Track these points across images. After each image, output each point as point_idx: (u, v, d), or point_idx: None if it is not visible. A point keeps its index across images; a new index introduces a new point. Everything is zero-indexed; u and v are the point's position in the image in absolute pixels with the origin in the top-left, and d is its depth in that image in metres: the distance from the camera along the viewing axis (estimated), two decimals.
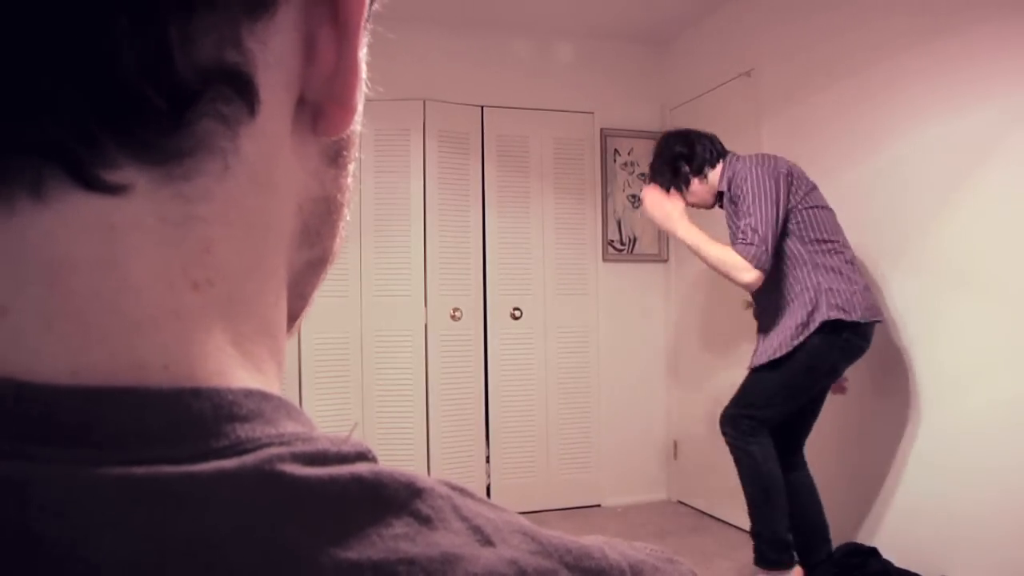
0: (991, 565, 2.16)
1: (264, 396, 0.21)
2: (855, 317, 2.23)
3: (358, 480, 0.20)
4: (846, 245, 2.36)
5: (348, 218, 0.29)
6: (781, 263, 2.33)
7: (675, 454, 3.85)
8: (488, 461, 3.59)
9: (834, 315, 2.22)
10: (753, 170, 2.31)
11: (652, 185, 2.47)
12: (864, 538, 2.60)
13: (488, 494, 3.55)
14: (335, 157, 0.26)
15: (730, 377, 3.34)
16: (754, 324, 2.51)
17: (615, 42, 3.86)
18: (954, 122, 2.32)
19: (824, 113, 2.86)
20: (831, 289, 2.25)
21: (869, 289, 2.35)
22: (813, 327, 2.24)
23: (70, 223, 0.19)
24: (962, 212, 2.30)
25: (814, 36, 2.89)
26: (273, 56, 0.22)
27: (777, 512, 2.30)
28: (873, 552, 2.45)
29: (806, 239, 2.30)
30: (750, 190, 2.28)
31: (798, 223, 2.30)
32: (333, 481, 0.19)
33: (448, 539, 0.20)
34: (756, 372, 2.36)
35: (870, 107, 2.64)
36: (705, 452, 3.50)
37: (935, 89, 2.38)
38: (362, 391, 3.41)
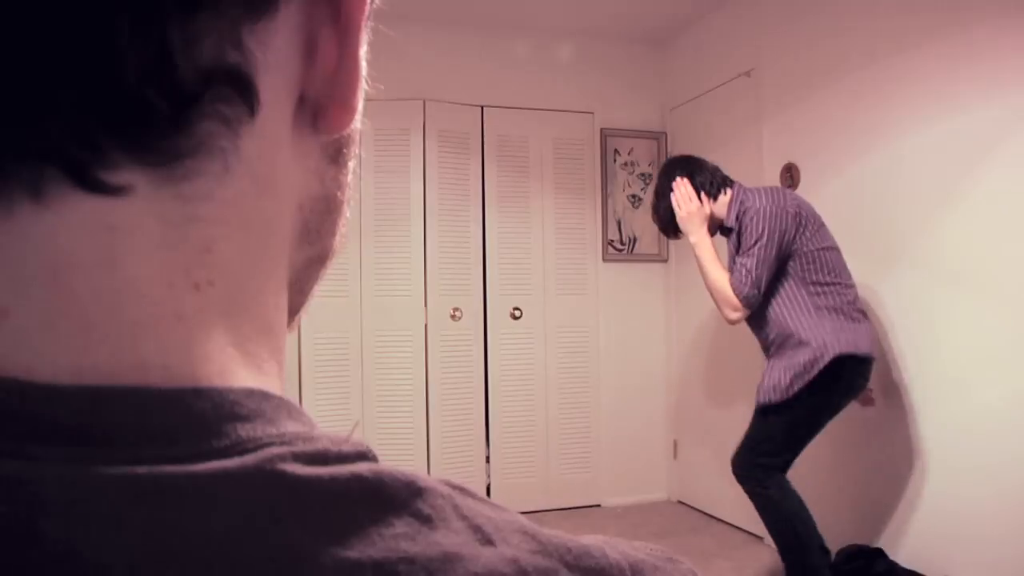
0: (993, 565, 2.16)
1: (265, 396, 0.21)
2: (862, 350, 2.24)
3: (359, 479, 0.20)
4: (850, 284, 2.34)
5: (348, 216, 0.29)
6: (779, 303, 2.31)
7: (675, 454, 3.85)
8: (488, 461, 3.59)
9: (848, 350, 2.21)
10: (763, 210, 2.28)
11: (685, 178, 2.43)
12: (867, 539, 2.60)
13: (488, 494, 3.56)
14: (335, 155, 0.26)
15: (730, 377, 3.35)
16: None
17: (615, 42, 3.86)
18: (954, 121, 2.32)
19: (824, 113, 2.86)
20: (837, 328, 2.25)
21: (870, 331, 2.33)
22: (825, 362, 2.22)
23: (70, 224, 0.19)
24: (962, 211, 2.30)
25: (814, 36, 2.89)
26: (273, 56, 0.22)
27: (810, 546, 2.27)
28: (878, 553, 2.44)
29: (809, 280, 2.29)
30: (756, 230, 2.26)
31: (803, 265, 2.29)
32: (334, 480, 0.19)
33: (449, 538, 0.20)
34: (763, 416, 2.34)
35: (870, 106, 2.64)
36: (705, 452, 3.51)
37: (935, 88, 2.38)
38: (362, 391, 3.41)
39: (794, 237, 2.27)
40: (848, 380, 2.27)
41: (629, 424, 3.82)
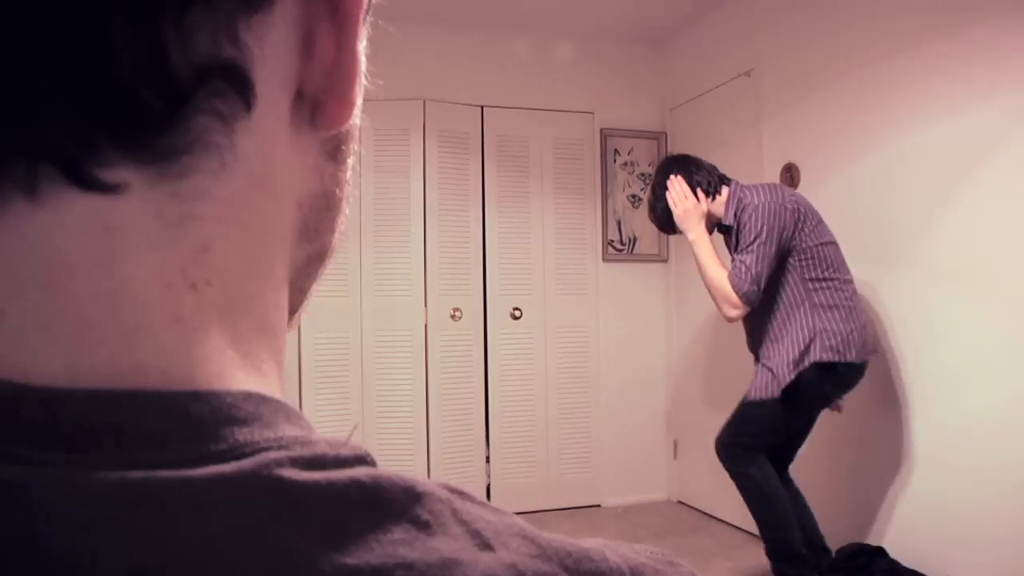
0: (994, 564, 2.16)
1: (263, 399, 0.21)
2: (849, 359, 2.25)
3: (356, 484, 0.19)
4: (848, 279, 2.34)
5: (347, 213, 0.29)
6: (778, 299, 2.33)
7: (675, 454, 3.85)
8: (488, 461, 3.59)
9: (827, 357, 2.24)
10: (761, 207, 2.28)
11: (680, 176, 2.43)
12: (869, 537, 2.60)
13: (488, 494, 3.56)
14: (334, 152, 0.26)
15: (730, 377, 3.35)
16: None
17: (615, 42, 3.86)
18: (954, 121, 2.32)
19: (824, 113, 2.86)
20: (826, 330, 2.25)
21: (867, 326, 2.34)
22: (805, 365, 2.25)
23: (66, 223, 0.19)
24: (962, 211, 2.29)
25: (814, 36, 2.89)
26: (270, 50, 0.21)
27: (787, 525, 2.31)
28: (880, 551, 2.44)
29: (807, 277, 2.29)
30: (755, 227, 2.26)
31: (801, 261, 2.29)
32: (331, 485, 0.19)
33: (447, 544, 0.20)
34: (749, 405, 2.36)
35: (870, 106, 2.63)
36: (705, 452, 3.50)
37: (935, 88, 2.38)
38: (362, 391, 3.41)
39: (793, 233, 2.28)
40: (840, 374, 2.28)
41: (629, 424, 3.82)
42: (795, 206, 2.29)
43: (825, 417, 2.51)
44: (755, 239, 2.25)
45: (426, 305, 3.45)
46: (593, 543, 0.23)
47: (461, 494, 0.22)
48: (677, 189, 2.42)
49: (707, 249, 2.36)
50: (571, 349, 3.73)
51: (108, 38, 0.18)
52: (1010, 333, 2.14)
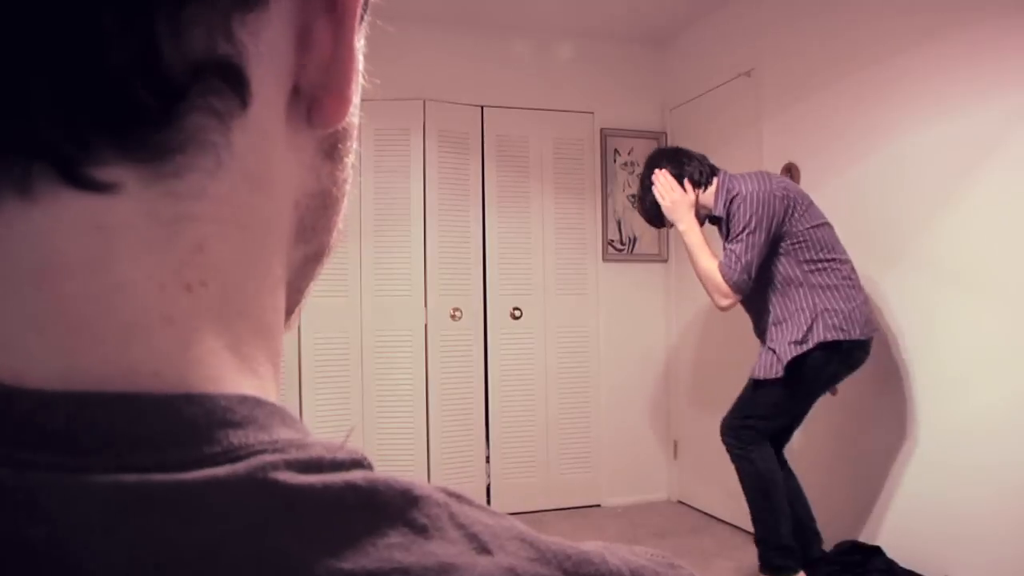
0: (993, 564, 2.16)
1: (258, 402, 0.20)
2: (854, 336, 2.25)
3: (353, 488, 0.19)
4: (844, 259, 2.35)
5: (346, 212, 0.28)
6: (776, 283, 2.33)
7: (675, 454, 3.85)
8: (488, 461, 3.59)
9: (832, 336, 2.24)
10: (750, 196, 2.29)
11: (665, 169, 2.44)
12: (866, 537, 2.60)
13: (488, 494, 3.56)
14: (331, 150, 0.26)
15: (730, 377, 3.34)
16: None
17: (615, 42, 3.86)
18: (954, 121, 2.31)
19: (824, 113, 2.86)
20: (828, 310, 2.26)
21: (867, 303, 2.35)
22: (809, 345, 2.25)
23: (59, 222, 0.19)
24: (962, 211, 2.29)
25: (814, 36, 2.89)
26: (266, 47, 0.21)
27: (779, 516, 2.32)
28: (876, 551, 2.44)
29: (802, 259, 2.30)
30: (744, 216, 2.27)
31: (795, 244, 2.30)
32: (327, 489, 0.19)
33: (444, 548, 0.19)
34: (754, 387, 2.37)
35: (870, 106, 2.63)
36: (705, 452, 3.50)
37: (935, 88, 2.38)
38: (362, 391, 3.41)
39: (783, 220, 2.28)
40: (847, 352, 2.28)
41: (629, 424, 3.82)
42: (784, 193, 2.30)
43: (824, 415, 2.51)
44: (744, 228, 2.26)
45: (426, 305, 3.45)
46: (593, 546, 0.23)
47: (459, 497, 0.22)
48: (663, 182, 2.43)
49: (697, 239, 2.37)
50: (571, 349, 3.73)
51: (100, 34, 0.18)
52: (1010, 333, 2.14)
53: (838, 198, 2.76)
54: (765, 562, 2.34)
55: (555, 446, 3.68)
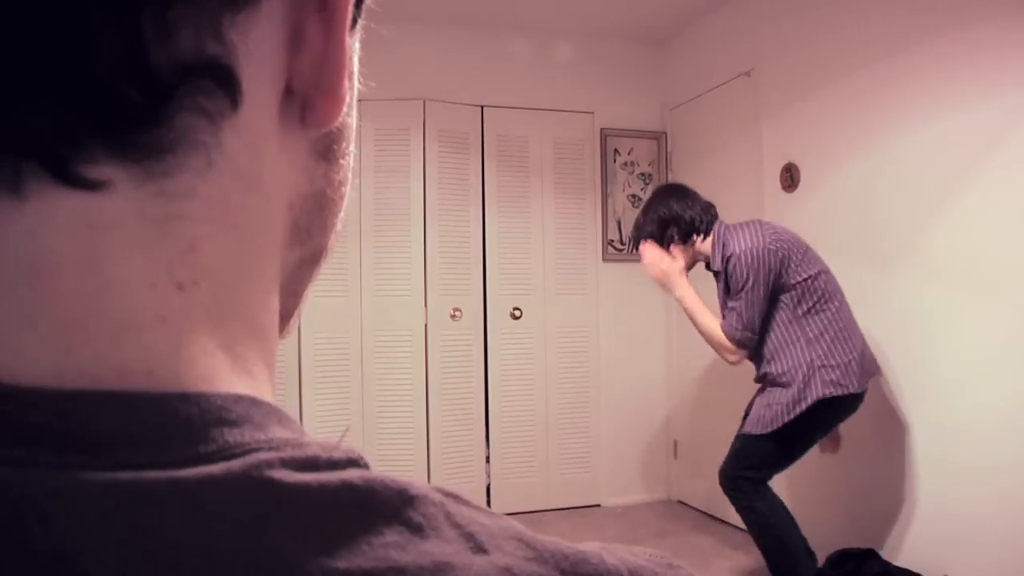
0: (992, 564, 2.16)
1: (254, 401, 0.20)
2: (851, 390, 2.24)
3: (348, 487, 0.19)
4: (839, 305, 2.31)
5: (343, 214, 0.28)
6: (773, 337, 2.31)
7: (675, 454, 3.85)
8: (488, 461, 3.59)
9: (829, 392, 2.23)
10: (745, 255, 2.27)
11: (649, 241, 2.43)
12: (865, 538, 2.60)
13: (488, 494, 3.56)
14: (325, 151, 0.26)
15: (730, 377, 3.35)
16: None
17: (615, 42, 3.86)
18: (954, 120, 2.31)
19: (824, 112, 2.86)
20: (825, 365, 2.24)
21: (866, 350, 2.32)
22: (807, 404, 2.24)
23: (50, 220, 0.19)
24: (961, 211, 2.29)
25: (814, 36, 2.89)
26: (257, 47, 0.21)
27: (797, 557, 2.28)
28: (869, 553, 2.43)
29: (800, 312, 2.28)
30: (741, 276, 2.26)
31: (792, 297, 2.28)
32: (323, 488, 0.19)
33: (440, 547, 0.19)
34: (748, 438, 2.35)
35: (870, 106, 2.63)
36: (705, 452, 3.50)
37: (935, 87, 2.38)
38: (362, 391, 3.41)
39: (780, 272, 2.27)
40: (840, 405, 2.27)
41: (629, 424, 3.82)
42: (778, 246, 2.27)
43: None
44: (743, 287, 2.25)
45: (426, 305, 3.45)
46: (591, 546, 0.23)
47: (455, 497, 0.22)
48: (650, 253, 2.40)
49: (695, 303, 2.36)
50: (571, 349, 3.73)
51: (86, 32, 0.18)
52: (1009, 333, 2.14)
53: (837, 197, 2.76)
54: None
55: (555, 446, 3.68)
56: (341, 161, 0.27)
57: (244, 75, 0.21)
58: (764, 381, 2.36)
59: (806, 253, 2.32)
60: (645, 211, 2.49)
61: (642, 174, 3.88)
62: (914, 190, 2.46)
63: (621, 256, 3.83)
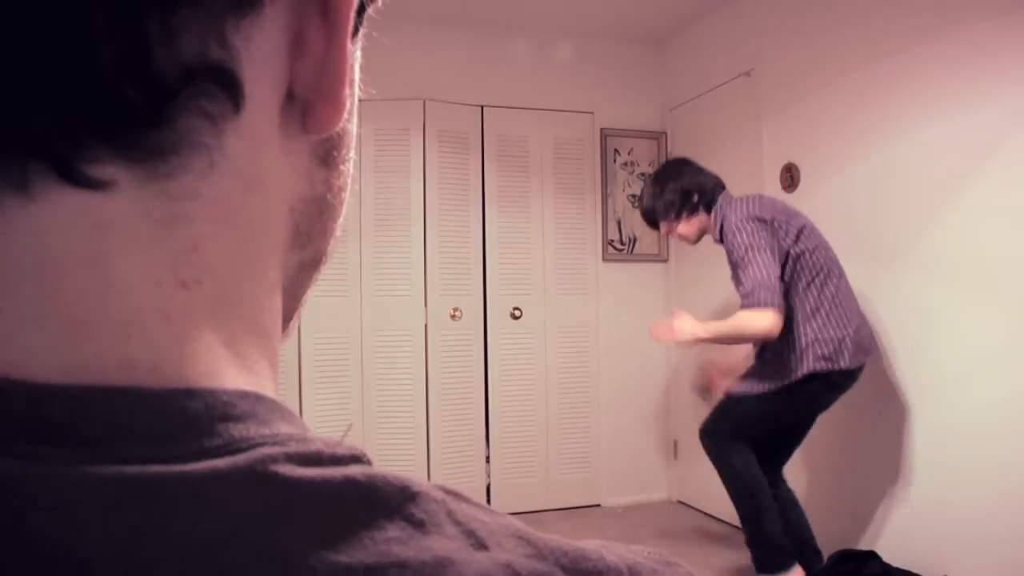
0: (991, 565, 2.16)
1: (259, 398, 0.21)
2: (841, 366, 2.24)
3: (352, 482, 0.19)
4: (841, 279, 2.32)
5: (343, 219, 0.28)
6: None
7: (675, 454, 3.85)
8: (488, 461, 3.59)
9: (820, 367, 2.24)
10: (735, 224, 2.27)
11: (655, 323, 2.44)
12: (864, 539, 2.60)
13: (488, 494, 3.56)
14: (326, 156, 0.26)
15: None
16: None
17: (615, 42, 3.86)
18: (954, 120, 2.32)
19: (824, 113, 2.86)
20: (818, 340, 2.24)
21: (862, 327, 2.32)
22: (796, 376, 2.25)
23: (56, 219, 0.19)
24: (961, 211, 2.29)
25: (814, 36, 2.89)
26: (259, 52, 0.21)
27: (766, 515, 2.33)
28: (871, 556, 2.43)
29: (798, 287, 2.28)
30: (739, 244, 2.25)
31: (789, 271, 2.28)
32: (326, 482, 0.19)
33: (441, 543, 0.20)
34: (732, 398, 2.38)
35: (870, 106, 2.63)
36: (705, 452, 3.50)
37: (935, 88, 2.38)
38: (362, 391, 3.41)
39: (772, 234, 2.27)
40: (824, 378, 2.27)
41: (629, 424, 3.82)
42: (772, 217, 2.28)
43: (823, 415, 2.51)
44: (745, 253, 2.23)
45: (426, 305, 3.46)
46: (590, 543, 0.23)
47: (456, 495, 0.22)
48: (660, 328, 2.38)
49: (714, 325, 2.30)
50: (571, 349, 3.73)
51: (91, 34, 0.18)
52: (1009, 334, 2.14)
53: (837, 197, 2.76)
54: (758, 563, 2.35)
55: (555, 446, 3.68)
56: (341, 167, 0.27)
57: (246, 79, 0.21)
58: (761, 351, 2.37)
59: (803, 228, 2.31)
60: (660, 183, 2.50)
61: (642, 174, 3.88)
62: (914, 190, 2.46)
63: (621, 256, 3.83)
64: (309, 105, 0.24)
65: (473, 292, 3.57)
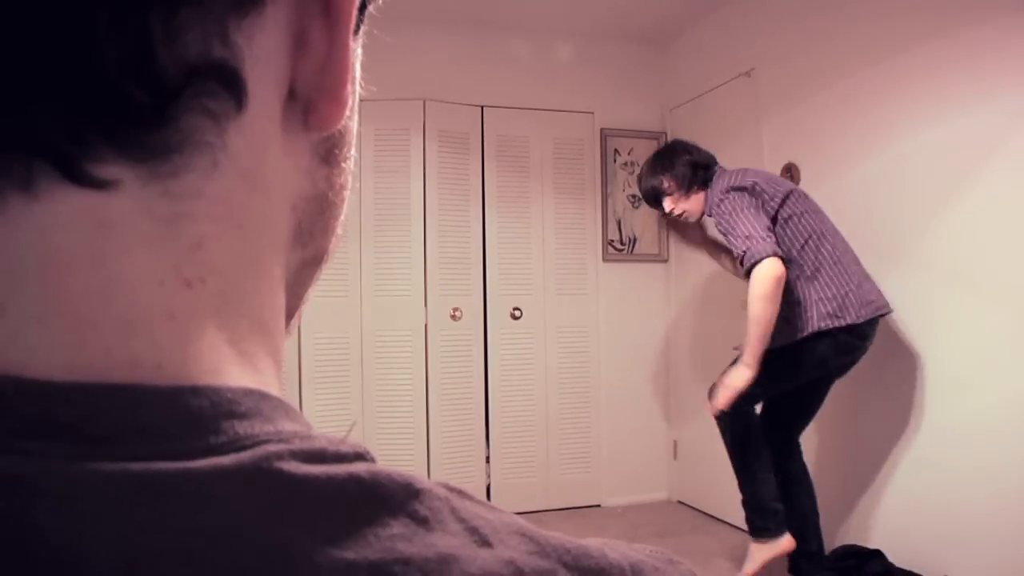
0: (991, 564, 2.16)
1: (263, 395, 0.21)
2: (847, 321, 2.22)
3: (356, 479, 0.20)
4: (836, 238, 2.34)
5: (344, 217, 0.28)
6: None
7: (675, 454, 3.85)
8: (488, 461, 3.59)
9: (824, 325, 2.23)
10: (721, 197, 2.32)
11: (711, 403, 2.38)
12: (865, 538, 2.60)
13: (488, 494, 3.56)
14: (327, 155, 0.26)
15: None
16: None
17: (615, 42, 3.86)
18: (954, 122, 2.32)
19: (824, 113, 2.86)
20: (821, 299, 2.25)
21: (865, 284, 2.32)
22: (804, 334, 2.25)
23: (60, 218, 0.19)
24: (962, 211, 2.29)
25: (814, 36, 2.89)
26: (262, 51, 0.22)
27: (759, 477, 2.34)
28: (875, 554, 2.43)
29: (793, 251, 2.29)
30: (724, 212, 2.28)
31: (781, 235, 2.28)
32: (330, 480, 0.19)
33: (445, 540, 0.20)
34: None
35: (870, 107, 2.63)
36: (705, 452, 3.50)
37: (935, 89, 2.38)
38: (362, 391, 3.41)
39: (756, 198, 2.28)
40: (834, 337, 2.25)
41: (629, 424, 3.82)
42: (753, 184, 2.30)
43: (823, 415, 2.51)
44: (729, 217, 2.25)
45: (426, 305, 3.46)
46: (593, 541, 0.23)
47: (460, 492, 0.22)
48: (725, 396, 2.31)
49: (749, 343, 2.23)
50: (571, 349, 3.74)
51: (95, 34, 0.18)
52: (1011, 333, 2.14)
53: (838, 198, 2.76)
54: (750, 524, 2.38)
55: (555, 446, 3.68)
56: (343, 165, 0.27)
57: (249, 78, 0.21)
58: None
59: (790, 194, 2.33)
60: (667, 158, 2.52)
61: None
62: (915, 190, 2.47)
63: (621, 256, 3.83)
64: (311, 103, 0.24)
65: (473, 292, 3.57)
